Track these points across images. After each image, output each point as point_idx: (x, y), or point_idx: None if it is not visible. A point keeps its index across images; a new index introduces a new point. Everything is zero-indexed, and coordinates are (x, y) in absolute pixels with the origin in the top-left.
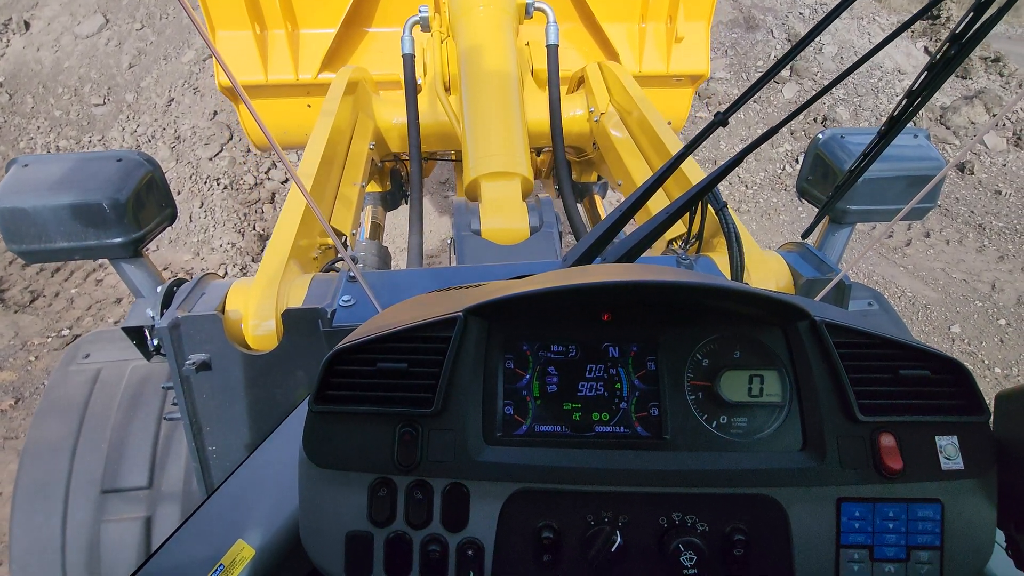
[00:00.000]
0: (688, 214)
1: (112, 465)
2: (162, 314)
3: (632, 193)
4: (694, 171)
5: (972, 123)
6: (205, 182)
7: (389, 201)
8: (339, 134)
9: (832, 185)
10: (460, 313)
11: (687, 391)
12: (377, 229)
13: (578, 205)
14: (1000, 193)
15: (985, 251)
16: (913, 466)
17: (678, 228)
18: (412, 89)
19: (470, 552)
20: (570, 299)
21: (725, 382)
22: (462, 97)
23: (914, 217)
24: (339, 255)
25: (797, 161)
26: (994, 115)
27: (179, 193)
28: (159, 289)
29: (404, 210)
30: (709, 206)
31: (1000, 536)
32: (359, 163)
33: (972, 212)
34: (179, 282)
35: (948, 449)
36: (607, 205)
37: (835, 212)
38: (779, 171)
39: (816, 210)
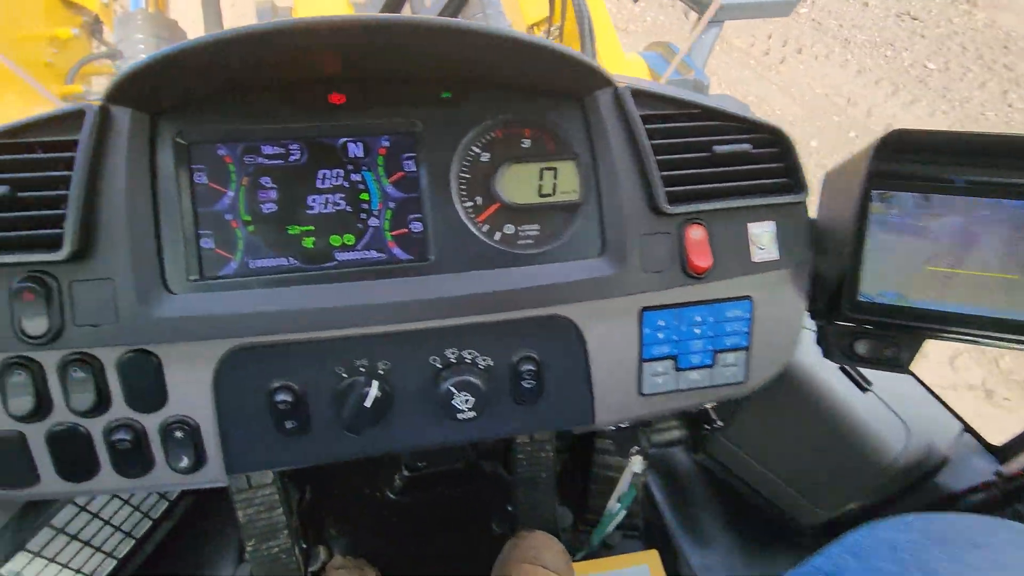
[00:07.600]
0: None
1: None
2: None
3: None
4: None
5: None
6: None
7: None
8: None
9: None
10: (93, 104)
11: (459, 196)
12: None
13: None
14: (867, 5)
15: (847, 65)
16: (723, 261)
17: (542, 11)
18: None
19: (179, 434)
20: (253, 55)
21: (509, 180)
22: None
23: (780, 13)
24: (95, 51)
25: None
26: None
27: None
28: None
29: None
30: None
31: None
32: None
33: (840, 26)
34: None
35: (762, 238)
36: None
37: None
38: None
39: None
